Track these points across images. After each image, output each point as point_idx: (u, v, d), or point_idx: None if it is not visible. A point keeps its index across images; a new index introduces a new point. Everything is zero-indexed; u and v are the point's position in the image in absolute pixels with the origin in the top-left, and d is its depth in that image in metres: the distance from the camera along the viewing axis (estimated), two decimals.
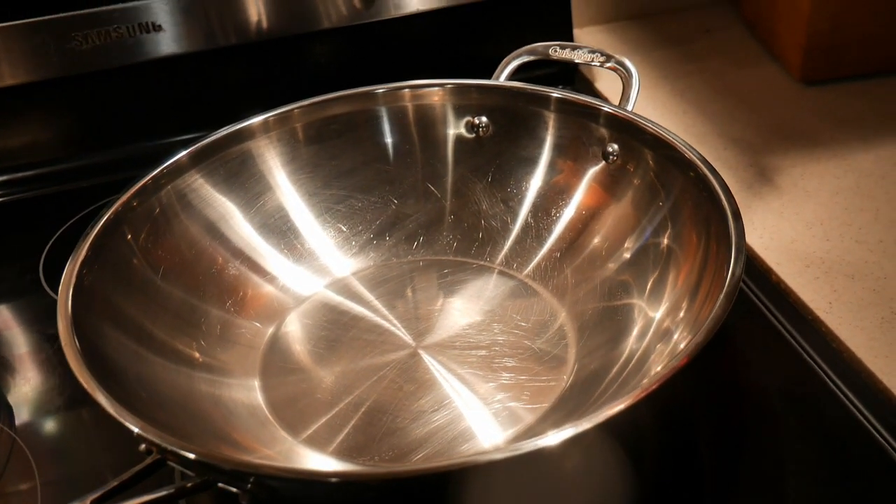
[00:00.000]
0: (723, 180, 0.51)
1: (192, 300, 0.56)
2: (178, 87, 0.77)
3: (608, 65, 0.63)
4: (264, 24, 0.76)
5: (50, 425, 0.56)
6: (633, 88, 0.61)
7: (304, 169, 0.63)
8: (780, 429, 0.50)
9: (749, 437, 0.50)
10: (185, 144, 0.59)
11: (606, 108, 0.59)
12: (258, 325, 0.58)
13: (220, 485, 0.41)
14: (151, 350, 0.51)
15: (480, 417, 0.51)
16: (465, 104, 0.63)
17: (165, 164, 0.56)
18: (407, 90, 0.63)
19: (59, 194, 0.76)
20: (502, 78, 0.66)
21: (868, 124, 0.73)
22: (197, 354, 0.53)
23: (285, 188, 0.62)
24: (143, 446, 0.43)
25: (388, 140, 0.64)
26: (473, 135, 0.64)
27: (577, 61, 0.64)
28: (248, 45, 0.77)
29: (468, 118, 0.64)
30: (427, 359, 0.55)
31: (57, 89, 0.75)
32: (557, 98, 0.61)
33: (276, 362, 0.56)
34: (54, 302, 0.64)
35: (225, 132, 0.60)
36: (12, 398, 0.57)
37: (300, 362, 0.56)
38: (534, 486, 0.42)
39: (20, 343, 0.62)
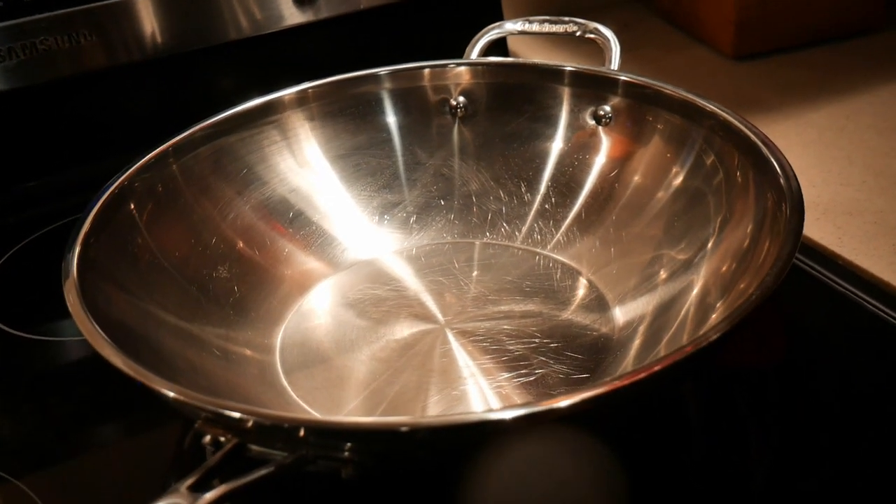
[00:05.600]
0: (749, 122, 0.51)
1: (202, 281, 0.52)
2: (111, 101, 0.72)
3: (588, 35, 0.62)
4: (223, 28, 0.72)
5: (40, 460, 0.49)
6: (614, 52, 0.61)
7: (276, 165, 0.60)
8: (829, 347, 0.50)
9: (804, 366, 0.50)
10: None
11: (623, 77, 0.58)
12: (272, 307, 0.54)
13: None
14: (164, 334, 0.46)
15: (518, 391, 0.48)
16: (449, 84, 0.62)
17: (161, 148, 0.52)
18: (424, 70, 0.62)
19: None
20: (474, 56, 0.64)
21: (809, 89, 0.76)
22: (212, 339, 0.49)
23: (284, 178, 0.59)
24: (207, 438, 0.38)
25: (390, 120, 0.61)
26: (453, 115, 0.63)
27: (548, 33, 0.64)
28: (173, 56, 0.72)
29: (450, 100, 0.62)
30: (456, 339, 0.52)
31: None
32: (571, 71, 0.60)
33: (295, 347, 0.52)
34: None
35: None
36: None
37: (320, 348, 0.52)
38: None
39: None
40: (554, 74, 0.60)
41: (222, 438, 0.37)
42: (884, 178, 0.63)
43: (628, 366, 0.48)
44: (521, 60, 0.62)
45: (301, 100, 0.58)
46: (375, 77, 0.60)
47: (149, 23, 0.70)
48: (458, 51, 0.65)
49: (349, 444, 0.36)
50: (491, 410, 0.43)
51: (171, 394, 0.36)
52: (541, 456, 0.41)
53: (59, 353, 0.57)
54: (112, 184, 0.48)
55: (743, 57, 0.82)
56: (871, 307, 0.52)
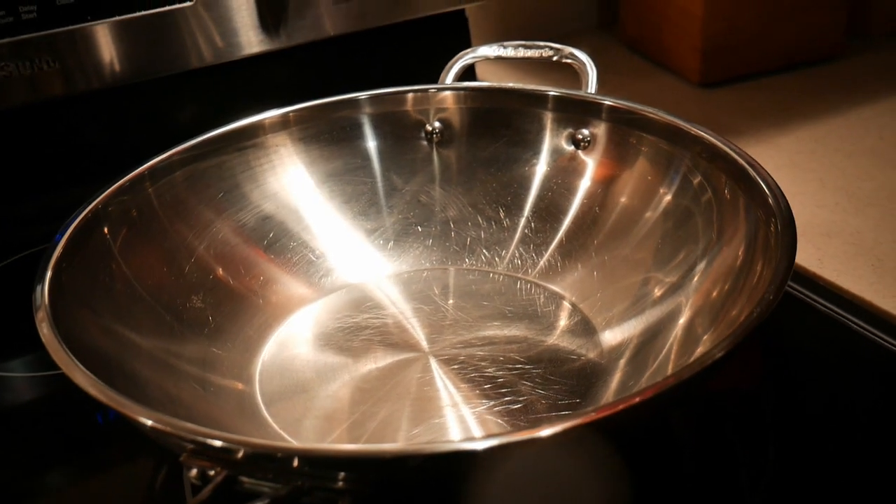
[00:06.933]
0: (733, 145, 0.51)
1: (177, 310, 0.50)
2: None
3: (564, 59, 0.62)
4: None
5: None
6: (591, 76, 0.61)
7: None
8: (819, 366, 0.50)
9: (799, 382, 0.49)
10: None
11: (608, 102, 0.58)
12: (249, 336, 0.52)
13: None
14: (140, 364, 0.44)
15: (504, 419, 0.47)
16: (430, 109, 0.61)
17: (139, 170, 0.50)
18: (407, 95, 0.61)
19: None
20: (448, 81, 0.64)
21: (777, 114, 0.77)
22: (189, 369, 0.47)
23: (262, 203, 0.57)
24: (193, 471, 0.36)
25: (369, 145, 0.60)
26: (429, 141, 0.62)
27: (523, 58, 0.63)
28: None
29: (426, 125, 0.61)
30: (439, 367, 0.50)
31: None
32: (554, 96, 0.59)
33: (274, 378, 0.50)
34: None
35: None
36: None
37: (300, 378, 0.50)
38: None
39: None
40: (537, 99, 0.59)
41: (211, 472, 0.35)
42: (857, 200, 0.63)
43: (610, 396, 0.47)
44: (503, 85, 0.61)
45: (281, 123, 0.57)
46: (356, 101, 0.59)
47: (110, 50, 0.68)
48: (425, 77, 0.65)
49: (344, 474, 0.35)
50: (471, 439, 0.42)
51: (154, 423, 0.34)
52: (530, 479, 0.40)
53: (18, 389, 0.54)
54: (86, 207, 0.46)
55: (709, 84, 0.83)
56: (856, 327, 0.52)
